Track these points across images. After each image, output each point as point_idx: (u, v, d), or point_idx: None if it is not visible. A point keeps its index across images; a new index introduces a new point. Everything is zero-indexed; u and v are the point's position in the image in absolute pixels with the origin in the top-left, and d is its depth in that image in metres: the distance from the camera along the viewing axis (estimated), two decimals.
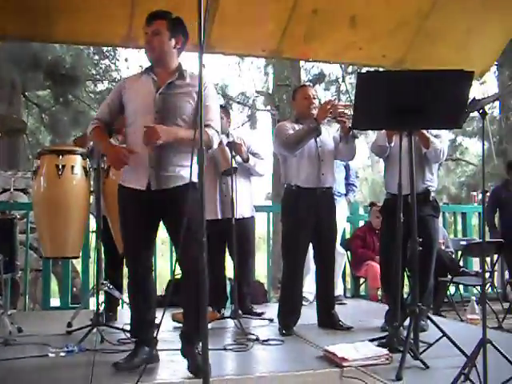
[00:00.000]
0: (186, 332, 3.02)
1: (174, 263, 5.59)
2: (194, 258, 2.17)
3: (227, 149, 4.32)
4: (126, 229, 3.10)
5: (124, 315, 4.25)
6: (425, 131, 3.93)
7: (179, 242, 2.50)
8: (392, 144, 4.03)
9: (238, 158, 4.52)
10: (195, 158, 2.19)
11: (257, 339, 3.76)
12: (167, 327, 3.92)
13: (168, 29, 3.02)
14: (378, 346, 3.35)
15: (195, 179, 2.69)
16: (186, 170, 2.89)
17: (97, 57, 11.61)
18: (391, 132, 3.96)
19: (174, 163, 2.99)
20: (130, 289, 3.12)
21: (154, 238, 3.20)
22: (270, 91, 12.86)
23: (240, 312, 4.31)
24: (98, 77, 11.68)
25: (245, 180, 4.77)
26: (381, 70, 5.82)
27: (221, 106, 3.38)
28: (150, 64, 3.12)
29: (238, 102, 12.85)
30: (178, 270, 3.06)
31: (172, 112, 2.99)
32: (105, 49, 11.06)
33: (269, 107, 12.66)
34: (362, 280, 6.54)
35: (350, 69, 12.36)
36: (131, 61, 12.53)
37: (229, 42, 5.23)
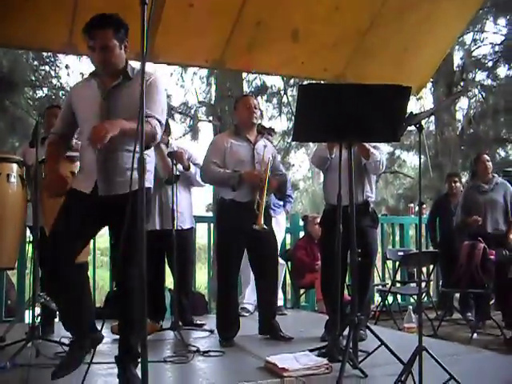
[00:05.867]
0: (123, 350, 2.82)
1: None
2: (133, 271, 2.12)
3: (167, 157, 4.25)
4: (60, 217, 2.83)
5: (61, 328, 4.13)
6: (365, 143, 4.01)
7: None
8: (333, 156, 4.09)
9: (180, 167, 4.47)
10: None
11: (197, 351, 3.72)
12: (106, 340, 3.82)
13: (116, 37, 2.77)
14: (318, 355, 3.38)
15: (148, 185, 2.79)
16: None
17: (36, 62, 11.25)
18: (332, 144, 4.01)
19: (122, 167, 2.80)
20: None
21: (86, 237, 2.97)
22: (213, 102, 12.84)
23: (180, 323, 4.27)
24: (37, 83, 11.31)
25: (185, 190, 4.68)
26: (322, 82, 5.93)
27: None
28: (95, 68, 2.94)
29: (180, 113, 12.74)
30: None
31: (119, 116, 2.74)
32: (44, 54, 10.73)
33: (211, 118, 12.62)
34: (302, 291, 6.59)
35: (291, 81, 12.49)
36: (72, 67, 12.24)
37: (172, 51, 5.22)
